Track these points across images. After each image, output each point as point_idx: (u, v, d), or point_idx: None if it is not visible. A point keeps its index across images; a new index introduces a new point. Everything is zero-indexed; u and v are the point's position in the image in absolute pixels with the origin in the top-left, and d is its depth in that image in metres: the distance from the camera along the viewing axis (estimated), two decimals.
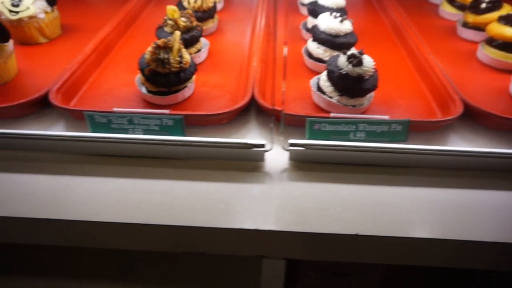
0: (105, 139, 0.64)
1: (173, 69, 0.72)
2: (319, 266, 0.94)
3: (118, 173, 0.63)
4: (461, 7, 1.12)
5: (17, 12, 0.93)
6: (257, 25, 1.04)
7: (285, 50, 0.91)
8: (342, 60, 0.71)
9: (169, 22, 0.84)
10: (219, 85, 0.83)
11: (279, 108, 0.67)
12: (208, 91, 0.81)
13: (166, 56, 0.71)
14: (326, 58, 0.86)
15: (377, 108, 0.78)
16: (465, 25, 1.04)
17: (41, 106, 0.76)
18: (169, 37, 0.74)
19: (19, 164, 0.65)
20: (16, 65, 0.86)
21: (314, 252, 0.58)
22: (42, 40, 1.00)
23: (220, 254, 0.59)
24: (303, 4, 1.15)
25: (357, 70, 0.69)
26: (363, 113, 0.76)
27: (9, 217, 0.56)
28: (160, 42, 0.72)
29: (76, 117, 0.74)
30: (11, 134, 0.65)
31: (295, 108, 0.76)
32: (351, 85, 0.71)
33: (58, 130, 0.73)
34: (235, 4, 1.22)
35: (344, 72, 0.70)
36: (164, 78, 0.72)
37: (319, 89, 0.77)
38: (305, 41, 1.03)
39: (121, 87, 0.83)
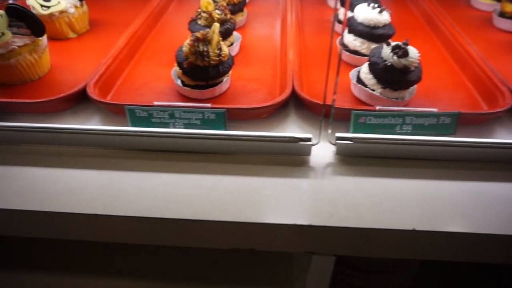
0: (149, 133, 0.63)
1: (212, 62, 0.70)
2: (352, 262, 0.92)
3: (162, 168, 0.62)
4: None
5: (48, 7, 0.92)
6: (286, 18, 1.02)
7: (338, 42, 0.88)
8: (386, 51, 0.69)
9: (203, 14, 0.83)
10: (254, 78, 0.82)
11: (328, 103, 0.65)
12: (244, 85, 0.80)
13: (205, 49, 0.70)
14: (364, 51, 0.84)
15: (418, 101, 0.76)
16: (502, 14, 1.01)
17: (78, 101, 0.76)
18: (207, 30, 0.72)
19: (61, 159, 0.64)
20: (49, 60, 0.85)
21: (367, 248, 0.56)
22: (72, 35, 0.99)
23: (269, 250, 0.58)
24: None
25: (403, 61, 0.67)
26: (405, 106, 0.73)
27: (55, 212, 0.56)
28: (199, 34, 0.70)
29: (113, 111, 0.73)
30: (52, 128, 0.64)
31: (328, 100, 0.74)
32: (395, 77, 0.69)
33: (94, 124, 0.72)
34: None
35: (389, 64, 0.68)
36: (203, 71, 0.71)
37: (359, 81, 0.75)
38: (336, 32, 1.01)
39: (156, 81, 0.82)
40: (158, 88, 0.79)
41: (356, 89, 0.75)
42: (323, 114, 0.60)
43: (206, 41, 0.71)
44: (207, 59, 0.70)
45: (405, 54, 0.67)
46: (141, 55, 0.91)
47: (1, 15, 0.75)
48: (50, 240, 0.62)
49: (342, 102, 0.75)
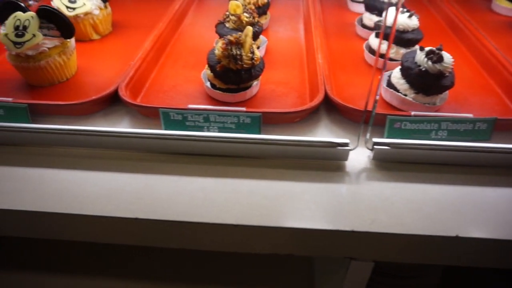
0: (185, 136, 0.62)
1: (245, 65, 0.70)
2: (378, 267, 0.92)
3: (198, 172, 0.62)
4: None
5: (73, 9, 0.92)
6: (309, 21, 1.02)
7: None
8: (420, 56, 0.69)
9: (232, 17, 0.82)
10: (283, 82, 0.82)
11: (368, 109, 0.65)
12: (273, 89, 0.80)
13: (238, 52, 0.70)
14: (392, 55, 0.84)
15: (448, 106, 0.75)
16: None
17: (108, 103, 0.76)
18: (239, 33, 0.72)
19: (96, 161, 0.64)
20: (76, 62, 0.85)
21: (408, 254, 0.56)
22: (95, 36, 0.99)
23: (307, 255, 0.58)
24: (353, 0, 1.13)
25: (438, 66, 0.67)
26: (436, 111, 0.73)
27: (93, 216, 0.55)
28: (232, 37, 0.70)
29: (145, 114, 0.73)
30: (88, 131, 0.64)
31: (361, 105, 0.74)
32: (430, 82, 0.69)
33: (124, 127, 0.72)
34: (281, 0, 1.20)
35: (424, 69, 0.68)
36: (236, 74, 0.71)
37: (390, 86, 0.75)
38: (360, 37, 1.01)
39: (184, 83, 0.82)
40: (188, 91, 0.79)
41: (387, 94, 0.75)
42: (363, 120, 0.60)
43: (239, 44, 0.71)
44: (240, 63, 0.70)
45: (440, 59, 0.67)
46: (167, 58, 0.91)
47: (32, 17, 0.75)
48: (66, 242, 0.62)
49: (370, 106, 0.75)
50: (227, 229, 0.54)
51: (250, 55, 0.71)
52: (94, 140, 0.65)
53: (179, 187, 0.59)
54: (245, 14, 0.83)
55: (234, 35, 0.71)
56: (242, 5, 0.85)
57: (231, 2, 0.83)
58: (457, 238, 0.52)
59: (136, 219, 0.54)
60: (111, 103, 0.76)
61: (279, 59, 0.90)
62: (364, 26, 0.99)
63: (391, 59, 0.84)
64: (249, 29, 0.71)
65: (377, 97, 0.57)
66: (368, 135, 0.63)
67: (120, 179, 0.60)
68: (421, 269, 0.94)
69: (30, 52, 0.76)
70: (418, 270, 0.94)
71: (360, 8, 1.12)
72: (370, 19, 0.96)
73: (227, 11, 0.86)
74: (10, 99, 0.69)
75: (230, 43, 0.70)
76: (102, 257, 0.98)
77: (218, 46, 0.72)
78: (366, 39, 0.98)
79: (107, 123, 0.73)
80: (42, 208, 0.56)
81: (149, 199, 0.57)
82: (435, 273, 0.96)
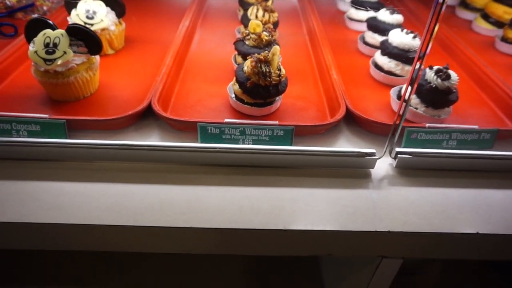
0: (228, 149, 0.67)
1: (273, 81, 0.76)
2: None
3: (240, 182, 0.66)
4: (496, 23, 1.22)
5: (92, 25, 0.94)
6: (315, 38, 1.09)
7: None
8: (429, 74, 0.77)
9: (253, 36, 0.88)
10: (301, 96, 0.88)
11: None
12: (293, 103, 0.86)
13: (267, 69, 0.75)
14: (398, 72, 0.92)
15: (451, 118, 0.84)
16: (505, 40, 1.14)
17: (140, 118, 0.78)
18: (266, 51, 0.78)
19: (139, 175, 0.66)
20: (99, 77, 0.87)
21: (435, 250, 0.63)
22: (110, 51, 1.01)
23: (343, 255, 0.63)
24: (352, 19, 1.22)
25: (446, 83, 0.76)
26: (441, 123, 0.82)
27: (148, 227, 0.58)
28: (261, 56, 0.76)
29: (177, 128, 0.76)
30: (131, 145, 0.66)
31: (376, 117, 0.81)
32: (439, 97, 0.77)
33: (156, 140, 0.75)
34: (284, 18, 1.27)
35: (434, 86, 0.76)
36: (265, 90, 0.76)
37: (400, 99, 0.83)
38: (362, 53, 1.10)
39: (208, 98, 0.86)
40: (213, 105, 0.83)
41: (399, 106, 0.82)
42: (391, 132, 0.67)
43: (268, 62, 0.76)
44: (269, 79, 0.75)
45: (448, 77, 0.76)
46: (186, 73, 0.95)
47: (62, 34, 0.77)
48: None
49: (384, 118, 0.83)
50: (276, 233, 0.58)
51: (278, 72, 0.77)
52: (136, 154, 0.67)
53: (226, 197, 0.63)
54: (264, 32, 0.88)
55: (262, 53, 0.76)
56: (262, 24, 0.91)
57: (251, 22, 0.89)
58: (477, 235, 0.60)
59: (190, 228, 0.58)
60: (141, 117, 0.79)
61: (294, 75, 0.96)
62: (366, 43, 1.08)
63: (398, 75, 0.92)
64: (277, 48, 0.77)
65: (403, 116, 0.64)
66: (392, 146, 0.70)
67: (168, 191, 0.63)
68: (423, 266, 1.02)
69: (59, 69, 0.77)
70: (420, 267, 1.02)
71: (358, 26, 1.21)
72: (373, 37, 1.05)
73: (246, 29, 0.91)
74: (46, 116, 0.70)
75: (259, 61, 0.75)
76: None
77: (247, 64, 0.77)
78: (368, 55, 1.06)
79: (139, 137, 0.75)
80: (93, 222, 0.58)
81: (200, 209, 0.60)
82: (435, 270, 1.05)
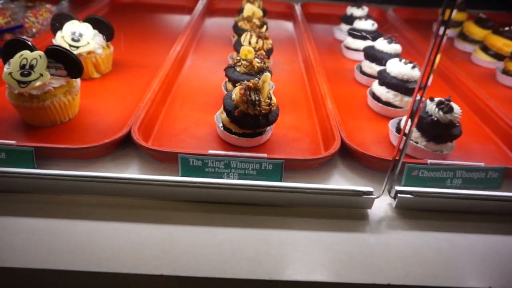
0: (210, 184, 0.60)
1: (263, 111, 0.70)
2: None
3: (222, 222, 0.59)
4: (496, 55, 1.19)
5: (77, 47, 0.90)
6: (311, 66, 1.05)
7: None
8: (431, 106, 0.72)
9: (244, 62, 0.83)
10: (293, 126, 0.82)
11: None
12: (285, 133, 0.80)
13: (257, 98, 0.70)
14: (396, 103, 0.87)
15: (454, 154, 0.78)
16: (506, 72, 1.10)
17: (117, 146, 0.72)
18: (256, 78, 0.73)
19: (110, 211, 0.60)
20: (79, 102, 0.82)
21: None
22: (96, 75, 0.97)
23: None
24: (349, 48, 1.19)
25: (449, 116, 0.70)
26: (443, 159, 0.76)
27: (113, 273, 0.51)
28: (251, 83, 0.71)
29: (158, 159, 0.70)
30: (100, 177, 0.60)
31: (374, 151, 0.75)
32: (441, 131, 0.72)
33: (135, 171, 0.69)
34: (280, 46, 1.23)
35: (435, 119, 0.71)
36: (254, 120, 0.71)
37: (399, 132, 0.78)
38: (359, 82, 1.05)
39: (194, 126, 0.80)
40: (199, 134, 0.78)
41: (397, 140, 0.77)
42: (390, 169, 0.61)
43: (257, 90, 0.71)
44: (258, 108, 0.70)
45: (451, 110, 0.71)
46: (174, 100, 0.90)
47: (40, 56, 0.72)
48: None
49: (382, 152, 0.77)
50: (259, 285, 0.51)
51: (268, 100, 0.72)
52: (109, 187, 0.61)
53: (205, 238, 0.56)
54: (256, 59, 0.84)
55: (252, 80, 0.71)
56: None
57: (242, 47, 0.85)
58: None
59: (161, 276, 0.51)
60: (120, 145, 0.73)
61: (287, 103, 0.91)
62: (363, 73, 1.04)
63: (396, 107, 0.87)
64: (267, 76, 0.72)
65: (403, 152, 0.58)
66: (390, 184, 0.63)
67: (140, 230, 0.56)
68: None
69: (34, 92, 0.72)
70: None
71: (355, 55, 1.17)
72: (370, 67, 1.01)
73: (238, 55, 0.87)
74: (13, 142, 0.64)
75: (248, 88, 0.70)
76: None
77: (236, 91, 0.72)
78: (366, 85, 1.02)
79: (116, 167, 0.69)
80: (54, 266, 0.51)
81: (174, 253, 0.53)
82: None
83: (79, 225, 0.56)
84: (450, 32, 1.46)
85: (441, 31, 0.48)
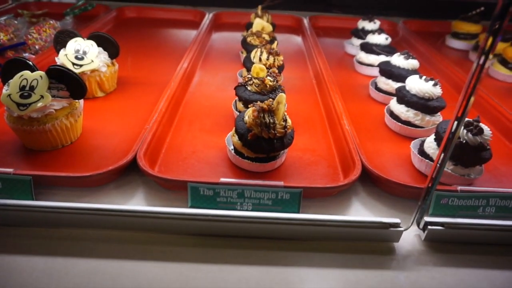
0: (224, 217, 0.55)
1: (278, 134, 0.66)
2: None
3: (237, 259, 0.54)
4: None
5: (80, 66, 0.86)
6: (323, 83, 1.01)
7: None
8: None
9: (255, 81, 0.79)
10: (309, 149, 0.77)
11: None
12: (300, 156, 0.75)
13: (271, 120, 0.65)
14: (417, 122, 0.82)
15: (483, 178, 0.73)
16: None
17: (122, 173, 0.68)
18: (270, 99, 0.68)
19: (113, 247, 0.55)
20: (82, 123, 0.78)
21: None
22: (100, 94, 0.93)
23: None
24: (362, 63, 1.15)
25: (479, 139, 0.65)
26: (470, 184, 0.71)
27: None
28: (265, 105, 0.66)
29: (166, 187, 0.66)
30: (103, 210, 0.55)
31: (396, 176, 0.70)
32: (470, 155, 0.66)
33: (140, 200, 0.64)
34: (289, 61, 1.19)
35: (464, 141, 0.66)
36: (268, 143, 0.66)
37: (422, 155, 0.72)
38: (374, 99, 1.01)
39: (204, 149, 0.75)
40: (209, 158, 0.73)
41: (422, 164, 0.72)
42: (422, 198, 0.55)
43: (272, 111, 0.66)
44: (273, 131, 0.65)
45: (481, 131, 0.66)
46: (181, 120, 0.85)
47: (41, 77, 0.68)
48: None
49: (405, 177, 0.72)
50: None
51: (283, 123, 0.67)
52: (112, 220, 0.56)
53: (219, 278, 0.51)
54: (268, 77, 0.80)
55: (266, 102, 0.67)
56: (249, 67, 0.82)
57: (254, 65, 0.80)
58: None
59: None
60: (125, 171, 0.68)
61: (300, 123, 0.86)
62: (378, 89, 0.99)
63: (417, 126, 0.82)
64: (282, 96, 0.67)
65: (437, 179, 0.53)
66: (419, 215, 0.58)
67: (147, 270, 0.51)
68: None
69: (35, 114, 0.68)
70: None
71: (368, 71, 1.13)
72: (387, 83, 0.96)
73: (248, 73, 0.83)
74: (10, 170, 0.60)
75: (262, 110, 0.66)
76: None
77: (249, 113, 0.67)
78: (382, 102, 0.97)
79: (120, 196, 0.64)
80: None
81: None
82: None
83: (79, 264, 0.51)
84: (465, 44, 1.41)
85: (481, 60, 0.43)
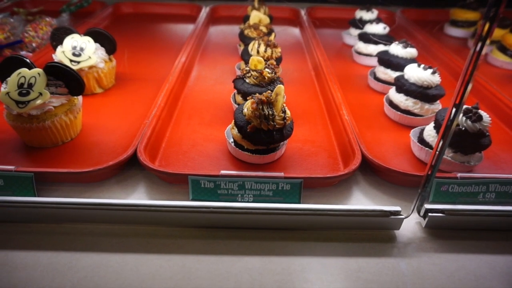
0: (226, 208, 0.56)
1: (277, 125, 0.66)
2: None
3: (239, 249, 0.54)
4: None
5: (78, 62, 0.86)
6: (322, 73, 1.01)
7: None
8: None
9: (253, 73, 0.79)
10: (308, 140, 0.78)
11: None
12: (300, 147, 0.75)
13: (270, 112, 0.65)
14: (416, 111, 0.82)
15: (483, 165, 0.73)
16: None
17: (123, 168, 0.68)
18: (268, 91, 0.68)
19: (118, 240, 0.55)
20: (81, 120, 0.78)
21: None
22: (98, 90, 0.93)
23: None
24: (360, 53, 1.14)
25: (478, 125, 0.65)
26: (470, 171, 0.71)
27: None
28: (263, 96, 0.66)
29: (167, 181, 0.66)
30: (107, 204, 0.55)
31: (396, 165, 0.70)
32: (470, 142, 0.66)
33: (141, 194, 0.64)
34: (287, 52, 1.19)
35: (463, 128, 0.66)
36: (267, 135, 0.66)
37: (422, 143, 0.73)
38: (372, 89, 1.00)
39: (203, 142, 0.75)
40: (209, 151, 0.73)
41: (422, 153, 0.72)
42: (422, 186, 0.56)
43: (270, 103, 0.66)
44: (272, 123, 0.65)
45: (479, 118, 0.65)
46: (180, 114, 0.85)
47: (39, 74, 0.68)
48: None
49: (405, 165, 0.72)
50: None
51: (282, 114, 0.67)
52: (114, 215, 0.56)
53: (221, 269, 0.51)
54: (266, 69, 0.79)
55: (265, 93, 0.67)
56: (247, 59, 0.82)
57: (252, 57, 0.80)
58: None
59: None
60: (126, 166, 0.68)
61: (299, 114, 0.86)
62: (377, 79, 0.99)
63: (416, 115, 0.82)
64: (281, 88, 0.67)
65: (437, 167, 0.53)
66: (419, 202, 0.58)
67: (150, 262, 0.52)
68: None
69: (34, 112, 0.68)
70: None
71: (367, 60, 1.13)
72: (385, 73, 0.96)
73: (247, 66, 0.83)
74: (12, 167, 0.60)
75: (261, 102, 0.66)
76: None
77: (248, 105, 0.67)
78: (381, 92, 0.97)
79: (122, 190, 0.65)
80: None
81: (188, 287, 0.49)
82: None
83: (82, 259, 0.52)
84: (463, 32, 1.41)
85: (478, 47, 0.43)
